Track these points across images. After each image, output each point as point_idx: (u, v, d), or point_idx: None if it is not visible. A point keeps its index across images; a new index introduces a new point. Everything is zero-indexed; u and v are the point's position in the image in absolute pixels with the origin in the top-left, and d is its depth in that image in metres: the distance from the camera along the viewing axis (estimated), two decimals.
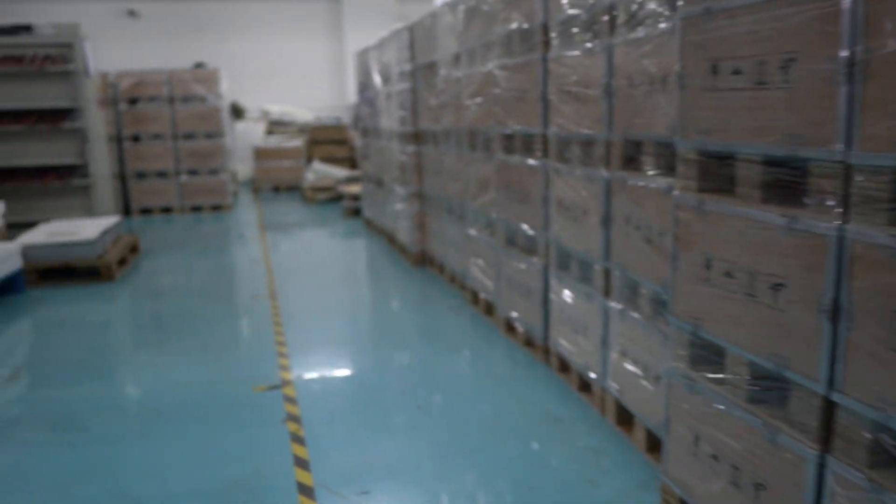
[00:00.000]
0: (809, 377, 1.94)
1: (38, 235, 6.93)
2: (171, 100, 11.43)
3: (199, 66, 13.67)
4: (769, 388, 2.15)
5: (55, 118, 8.61)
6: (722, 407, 2.31)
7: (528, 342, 4.56)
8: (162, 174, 11.48)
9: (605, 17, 3.27)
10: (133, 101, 11.33)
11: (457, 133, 5.66)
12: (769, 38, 2.02)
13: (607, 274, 3.44)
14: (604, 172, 3.37)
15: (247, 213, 11.50)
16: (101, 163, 9.13)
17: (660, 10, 2.84)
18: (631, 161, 3.21)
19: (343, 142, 15.75)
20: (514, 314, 4.65)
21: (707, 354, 2.42)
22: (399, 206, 7.43)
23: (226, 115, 11.88)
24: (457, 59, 5.53)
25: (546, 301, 4.22)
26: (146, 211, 11.51)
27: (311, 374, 4.26)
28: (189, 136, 11.54)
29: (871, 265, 1.74)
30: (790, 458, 2.02)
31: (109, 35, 17.17)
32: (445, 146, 6.00)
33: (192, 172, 11.59)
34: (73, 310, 5.93)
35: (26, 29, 8.46)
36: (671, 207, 2.53)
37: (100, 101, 9.29)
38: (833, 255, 1.84)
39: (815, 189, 1.93)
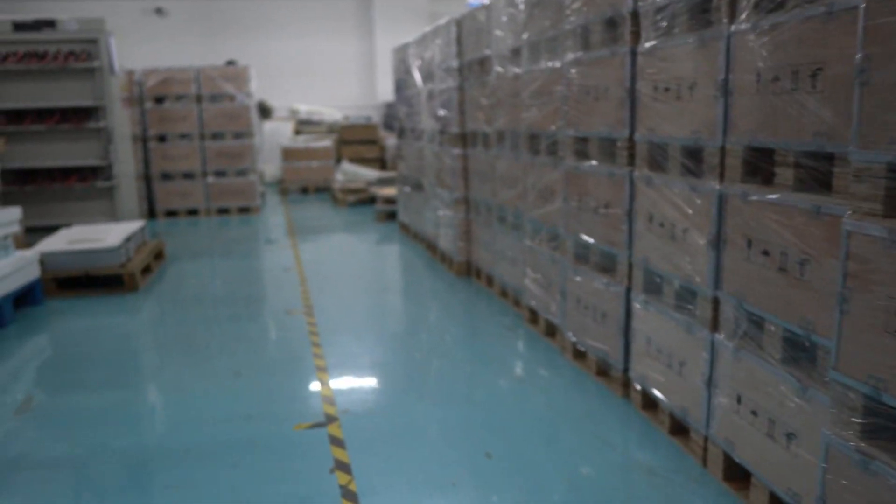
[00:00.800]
0: None
1: (58, 242, 6.49)
2: (199, 98, 11.01)
3: (230, 63, 13.25)
4: None
5: (78, 117, 8.20)
6: None
7: (602, 371, 4.04)
8: (188, 175, 11.07)
9: (723, 1, 2.74)
10: (159, 100, 10.93)
11: (513, 135, 5.15)
12: None
13: (716, 304, 2.91)
14: (715, 185, 2.84)
15: (275, 215, 11.05)
16: (126, 164, 8.71)
17: None
18: (754, 172, 2.68)
19: (373, 142, 15.30)
20: (584, 339, 4.13)
21: (891, 425, 1.90)
22: (442, 212, 6.93)
23: (255, 114, 11.44)
24: (515, 53, 5.01)
25: (627, 328, 3.70)
26: (171, 213, 11.10)
27: (358, 408, 3.76)
28: (217, 136, 11.12)
29: None
30: None
31: (136, 33, 16.84)
32: (498, 149, 5.49)
33: (220, 173, 11.17)
34: (92, 325, 5.48)
35: (49, 24, 8.05)
36: (822, 231, 2.01)
37: (124, 100, 8.86)
38: None
39: None
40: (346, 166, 14.44)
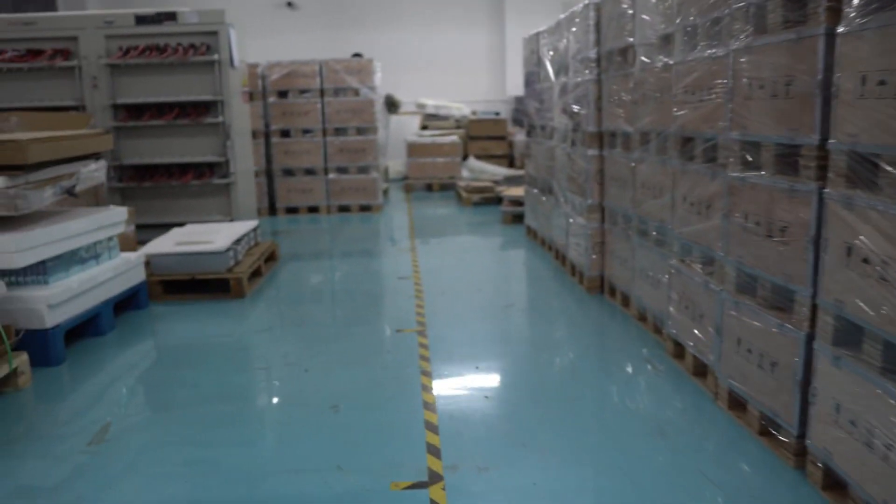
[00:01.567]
0: None
1: (165, 244, 6.22)
2: (323, 92, 10.70)
3: (356, 56, 12.96)
4: None
5: (197, 112, 7.97)
6: None
7: (766, 431, 3.27)
8: (310, 171, 10.80)
9: None
10: (283, 94, 10.70)
11: (660, 136, 4.41)
12: None
13: None
14: None
15: (397, 214, 10.61)
16: (244, 160, 8.44)
17: None
18: None
19: (501, 138, 14.71)
20: (744, 388, 3.36)
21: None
22: (572, 219, 6.23)
23: (379, 108, 11.06)
24: (666, 41, 4.27)
25: (805, 385, 2.92)
26: (292, 210, 10.86)
27: (468, 464, 3.15)
28: (339, 131, 10.79)
29: None
30: None
31: (266, 27, 16.90)
32: (641, 152, 4.76)
33: (342, 170, 10.84)
34: (188, 337, 5.13)
35: (170, 17, 7.86)
36: None
37: (244, 94, 8.60)
38: None
39: None
40: (473, 162, 13.91)
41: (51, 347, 4.52)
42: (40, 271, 4.68)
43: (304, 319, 5.48)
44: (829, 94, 2.67)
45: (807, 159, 2.82)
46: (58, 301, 4.59)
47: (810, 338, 2.88)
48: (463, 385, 4.04)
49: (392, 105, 17.00)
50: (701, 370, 3.95)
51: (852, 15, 2.50)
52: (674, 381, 4.01)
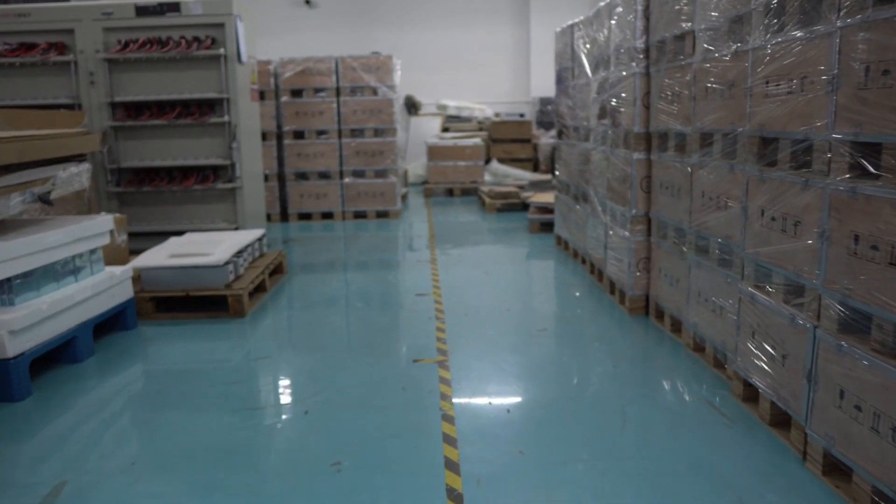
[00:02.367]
0: None
1: (157, 256, 5.59)
2: (338, 91, 10.07)
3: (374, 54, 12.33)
4: None
5: (200, 111, 7.36)
6: None
7: None
8: (324, 175, 10.17)
9: None
10: (296, 93, 10.08)
11: (729, 137, 3.72)
12: None
13: None
14: None
15: (416, 221, 9.95)
16: (252, 163, 7.81)
17: None
18: None
19: (525, 140, 14.04)
20: (853, 456, 2.67)
21: None
22: (612, 231, 5.54)
23: (398, 108, 10.42)
24: (737, 23, 3.58)
25: None
26: (305, 216, 10.23)
27: None
28: (356, 133, 10.16)
29: None
30: None
31: (283, 25, 16.36)
32: (701, 155, 4.06)
33: (358, 174, 10.20)
34: (181, 362, 4.49)
35: (173, 7, 7.25)
36: None
37: (254, 92, 7.98)
38: None
39: None
40: (496, 166, 13.24)
41: (13, 380, 3.89)
42: (4, 291, 4.06)
43: (309, 344, 4.83)
44: None
45: None
46: (23, 325, 3.97)
47: None
48: (492, 434, 3.36)
49: (412, 106, 16.40)
50: (781, 421, 3.26)
51: None
52: (746, 432, 3.31)
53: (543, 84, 15.96)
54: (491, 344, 4.64)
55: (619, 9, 5.22)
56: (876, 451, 2.52)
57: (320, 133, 10.10)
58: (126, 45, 7.26)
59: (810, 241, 2.89)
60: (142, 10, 7.27)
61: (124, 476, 3.04)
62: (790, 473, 2.94)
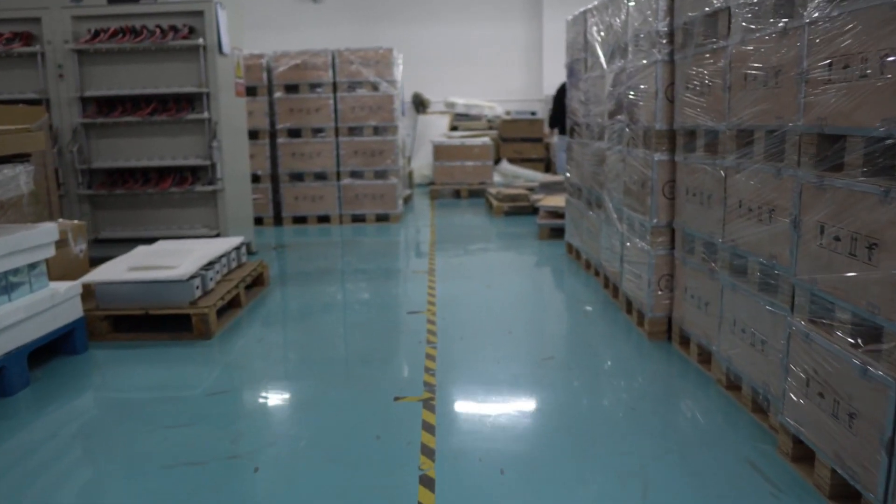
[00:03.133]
0: None
1: (115, 269, 4.96)
2: (336, 86, 9.43)
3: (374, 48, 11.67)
4: None
5: (177, 107, 6.72)
6: None
7: None
8: (321, 176, 9.53)
9: None
10: (291, 89, 9.44)
11: (776, 135, 3.03)
12: None
13: None
14: None
15: (418, 225, 9.30)
16: (236, 164, 7.18)
17: None
18: None
19: (537, 140, 13.36)
20: None
21: None
22: (630, 242, 4.86)
23: (399, 105, 9.76)
24: None
25: None
26: (300, 220, 9.60)
27: None
28: (355, 131, 9.51)
29: None
30: None
31: (287, 21, 15.78)
32: (738, 157, 3.38)
33: (356, 175, 9.56)
34: (126, 397, 3.85)
35: None
36: None
37: (239, 86, 7.34)
38: None
39: None
40: (506, 166, 12.58)
41: None
42: None
43: (278, 375, 4.17)
44: None
45: None
46: None
47: None
48: (480, 488, 2.70)
49: (420, 104, 15.73)
50: (846, 494, 2.58)
51: None
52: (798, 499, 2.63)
53: (556, 81, 15.24)
54: (487, 377, 3.97)
55: None
56: None
57: (316, 131, 9.47)
58: (96, 34, 6.63)
59: (894, 272, 2.21)
60: None
61: None
62: None
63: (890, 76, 2.20)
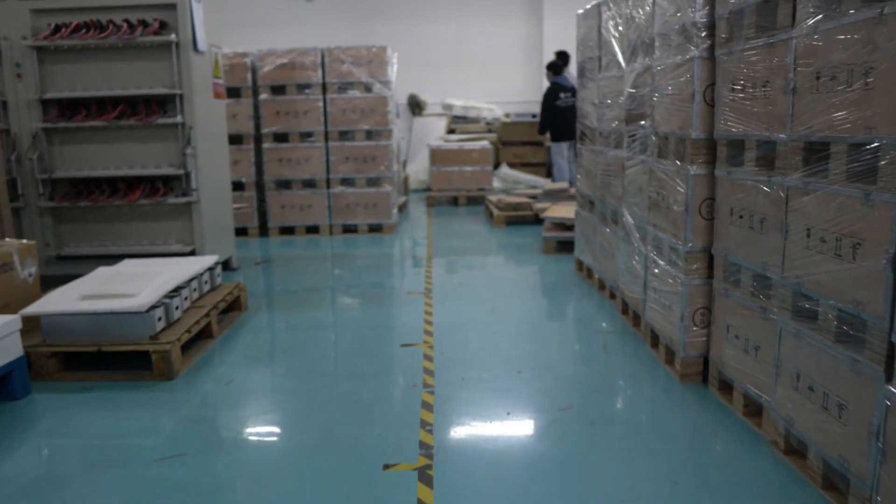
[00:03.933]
0: None
1: (67, 297, 4.32)
2: (325, 87, 8.79)
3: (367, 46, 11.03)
4: None
5: (147, 110, 6.07)
6: None
7: None
8: (309, 184, 8.89)
9: None
10: (277, 90, 8.80)
11: (866, 150, 2.40)
12: None
13: None
14: None
15: (413, 236, 8.67)
16: (214, 172, 6.53)
17: None
18: None
19: (538, 143, 12.74)
20: None
21: None
22: (657, 267, 4.23)
23: (393, 107, 9.12)
24: None
25: None
26: (287, 230, 8.96)
27: None
28: (345, 135, 8.88)
29: None
30: None
31: (279, 18, 15.13)
32: (808, 174, 2.75)
33: (347, 182, 8.92)
34: (59, 464, 3.20)
35: None
36: None
37: (218, 87, 6.70)
38: None
39: None
40: (506, 171, 11.97)
41: None
42: None
43: (243, 433, 3.52)
44: None
45: None
46: None
47: None
48: None
49: (416, 106, 15.10)
50: None
51: None
52: None
53: None
54: (496, 436, 3.33)
55: None
56: None
57: (305, 136, 8.83)
58: (58, 29, 5.99)
59: None
60: None
61: None
62: None
63: None
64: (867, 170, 2.38)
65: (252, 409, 3.75)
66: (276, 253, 7.90)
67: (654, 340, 4.38)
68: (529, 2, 15.31)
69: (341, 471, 3.00)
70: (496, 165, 12.25)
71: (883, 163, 2.28)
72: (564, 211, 7.69)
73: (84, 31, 5.97)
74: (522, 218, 9.32)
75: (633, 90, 4.65)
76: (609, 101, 5.35)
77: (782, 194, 2.92)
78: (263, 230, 9.00)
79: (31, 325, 4.27)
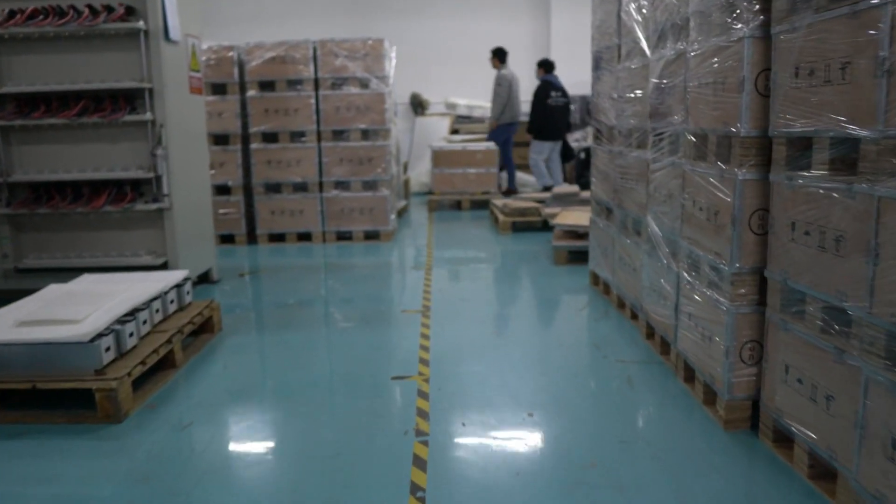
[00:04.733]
0: None
1: (2, 323, 3.70)
2: (318, 83, 8.17)
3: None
4: None
5: (113, 106, 5.45)
6: None
7: None
8: (301, 187, 8.26)
9: None
10: (266, 86, 8.18)
11: None
12: None
13: None
14: None
15: (412, 245, 8.05)
16: (190, 175, 5.90)
17: None
18: None
19: None
20: None
21: None
22: (694, 290, 3.58)
23: (391, 105, 8.50)
24: None
25: None
26: (277, 237, 8.34)
27: None
28: (340, 135, 8.25)
29: None
30: None
31: (276, 12, 14.55)
32: None
33: (342, 185, 8.29)
34: None
35: None
36: None
37: (195, 81, 6.07)
38: None
39: None
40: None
41: None
42: None
43: (191, 494, 2.89)
44: None
45: None
46: None
47: None
48: None
49: (418, 105, 14.46)
50: None
51: None
52: None
53: (566, 80, 14.02)
54: (499, 493, 2.69)
55: None
56: None
57: (296, 135, 8.20)
58: (11, 15, 5.37)
59: None
60: None
61: None
62: None
63: None
64: None
65: (208, 462, 3.11)
66: (264, 262, 7.27)
67: (688, 373, 3.73)
68: (535, 0, 14.70)
69: None
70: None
71: None
72: (576, 217, 7.04)
73: (42, 17, 5.36)
74: (530, 224, 8.70)
75: (661, 81, 4.00)
76: (630, 95, 4.70)
77: (869, 207, 2.27)
78: (252, 237, 8.38)
79: None
